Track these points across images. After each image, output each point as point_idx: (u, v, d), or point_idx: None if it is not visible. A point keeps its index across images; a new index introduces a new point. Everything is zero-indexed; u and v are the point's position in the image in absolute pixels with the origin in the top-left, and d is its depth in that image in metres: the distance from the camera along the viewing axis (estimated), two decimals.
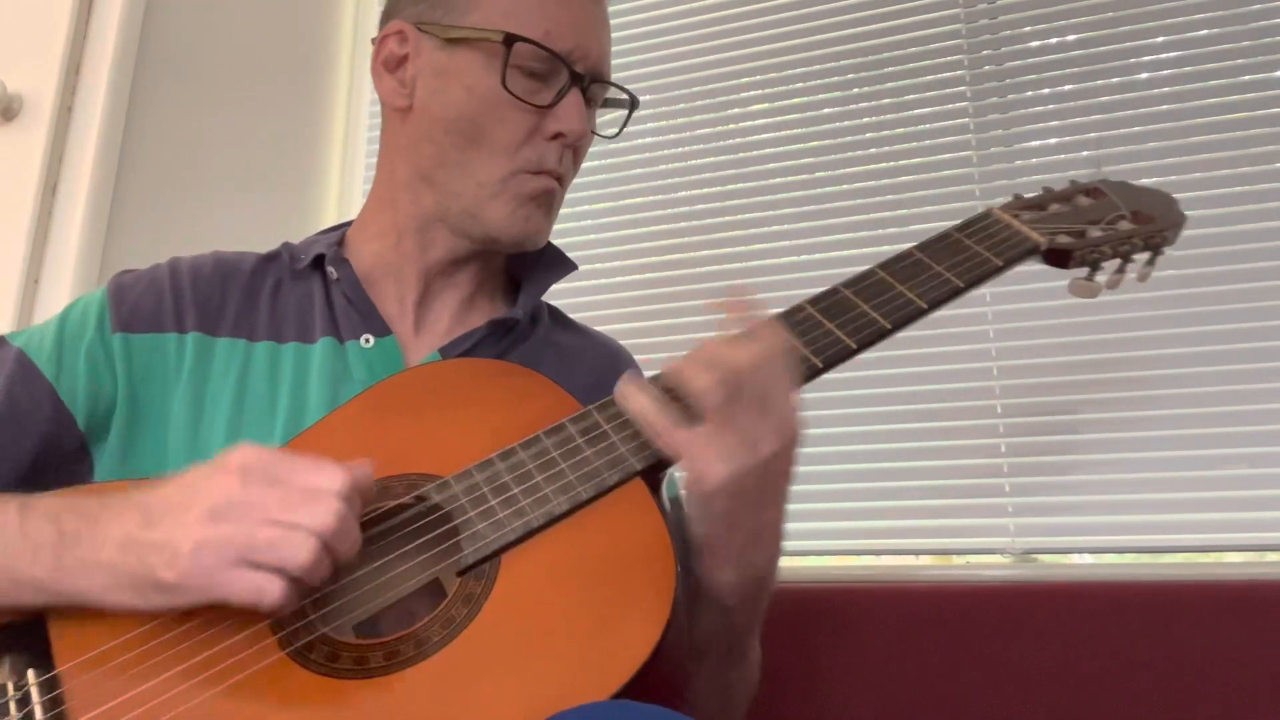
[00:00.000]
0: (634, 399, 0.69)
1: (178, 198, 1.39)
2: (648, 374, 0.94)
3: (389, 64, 0.87)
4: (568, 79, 0.83)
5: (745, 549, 0.68)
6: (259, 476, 0.59)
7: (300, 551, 0.57)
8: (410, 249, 0.87)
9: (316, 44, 1.73)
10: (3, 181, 1.26)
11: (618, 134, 0.97)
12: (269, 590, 0.57)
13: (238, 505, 0.58)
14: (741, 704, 0.83)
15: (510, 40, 0.81)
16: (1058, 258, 0.84)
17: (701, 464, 0.64)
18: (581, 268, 0.98)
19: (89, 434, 0.78)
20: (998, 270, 0.79)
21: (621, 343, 1.00)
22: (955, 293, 0.77)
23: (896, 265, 0.79)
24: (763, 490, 0.66)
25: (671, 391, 0.68)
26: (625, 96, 0.91)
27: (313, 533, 0.57)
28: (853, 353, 0.73)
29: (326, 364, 0.81)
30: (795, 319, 0.76)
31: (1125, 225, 0.85)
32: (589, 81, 0.85)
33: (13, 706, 0.57)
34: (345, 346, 0.83)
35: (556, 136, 0.84)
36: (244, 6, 1.55)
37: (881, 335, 0.75)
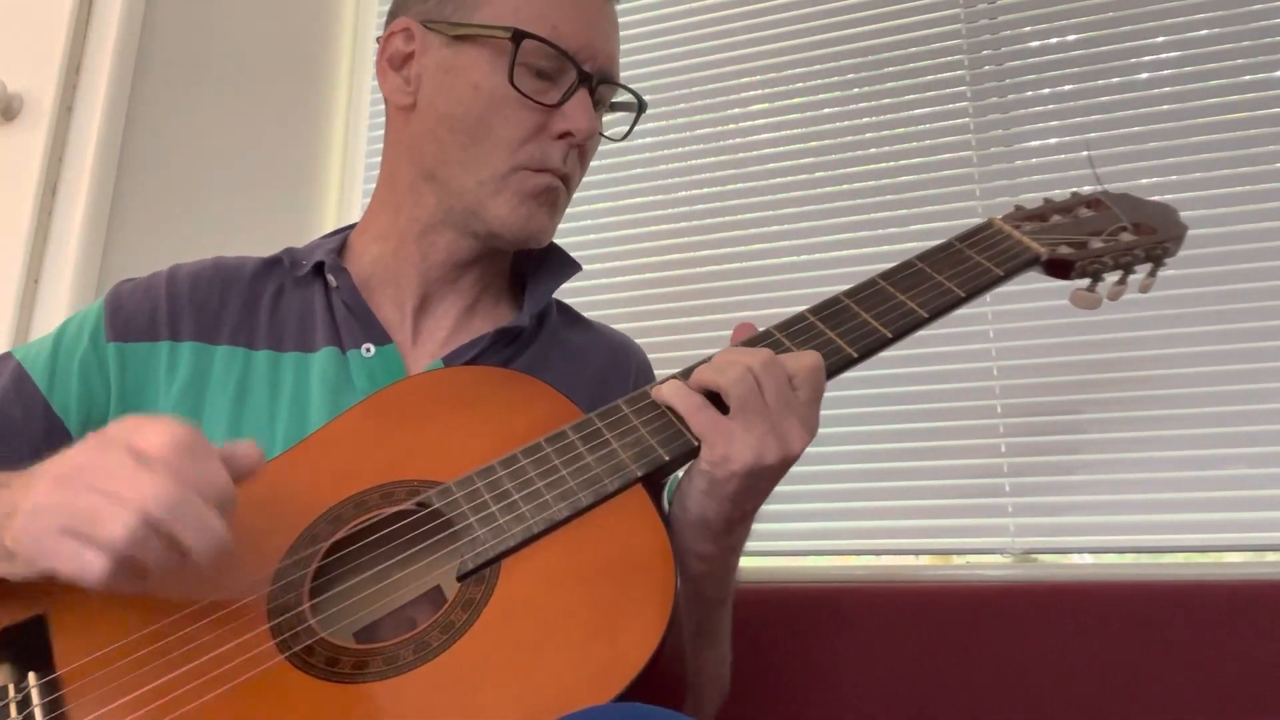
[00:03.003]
0: (664, 387, 0.72)
1: (178, 198, 1.39)
2: (656, 372, 0.95)
3: (394, 62, 0.87)
4: (576, 78, 0.83)
5: (734, 525, 0.71)
6: (113, 441, 0.56)
7: (115, 526, 0.53)
8: (411, 254, 0.87)
9: (317, 44, 1.73)
10: (3, 181, 1.26)
11: (626, 135, 0.96)
12: (90, 564, 0.53)
13: (81, 469, 0.55)
14: (711, 695, 0.84)
15: (519, 37, 0.80)
16: (1059, 268, 0.84)
17: (729, 447, 0.66)
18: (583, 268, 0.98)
19: None
20: (999, 280, 0.79)
21: None
22: (956, 302, 0.77)
23: (898, 275, 0.80)
24: (772, 480, 0.69)
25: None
26: (632, 99, 0.91)
27: (132, 506, 0.53)
28: (854, 361, 0.74)
29: (328, 374, 0.81)
30: (796, 327, 0.76)
31: (1127, 237, 0.85)
32: (597, 82, 0.85)
33: (13, 709, 0.57)
34: (347, 356, 0.82)
35: (563, 136, 0.83)
36: (244, 7, 1.55)
37: (883, 344, 0.75)
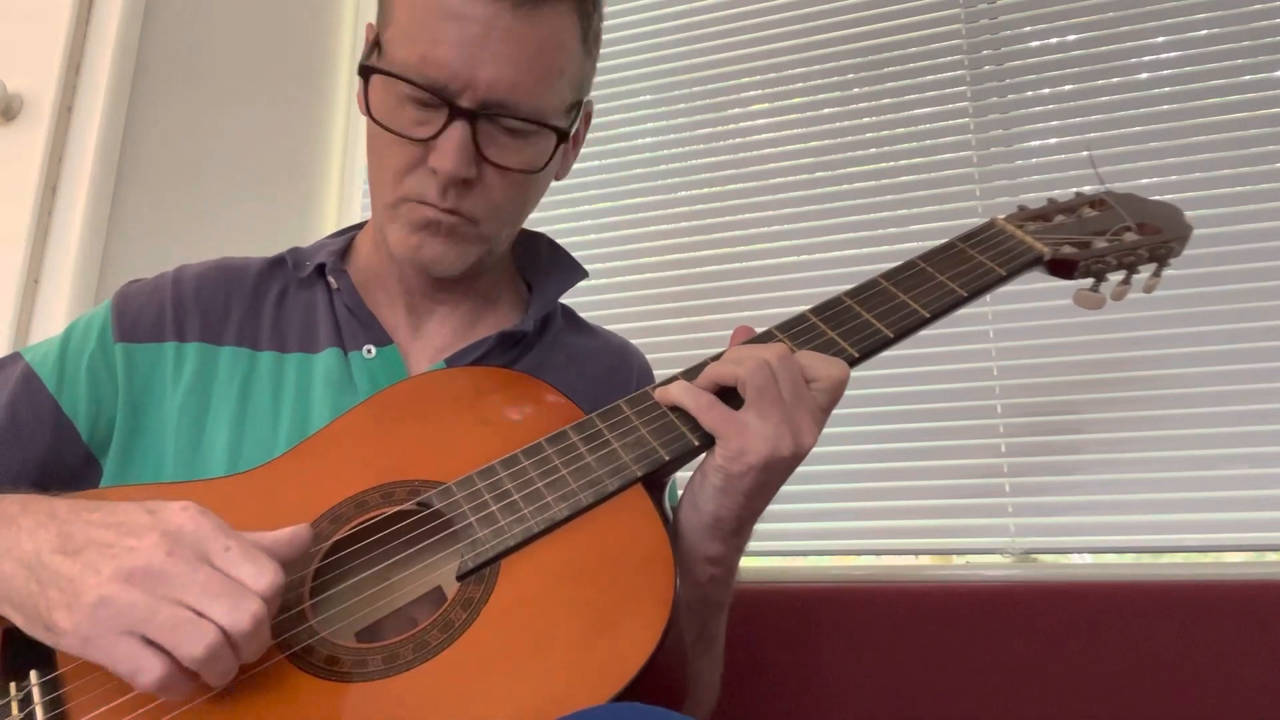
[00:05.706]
0: (671, 387, 0.71)
1: (178, 198, 1.39)
2: (656, 371, 0.95)
3: (361, 68, 0.82)
4: (448, 113, 0.74)
5: (744, 524, 0.71)
6: (187, 550, 0.55)
7: (197, 644, 0.53)
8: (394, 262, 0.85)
9: (316, 44, 1.73)
10: (3, 181, 1.26)
11: (544, 167, 0.80)
12: (147, 670, 0.53)
13: (154, 574, 0.54)
14: (706, 699, 0.84)
15: (366, 72, 0.76)
16: (1062, 268, 0.83)
17: (744, 440, 0.66)
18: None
19: (94, 445, 0.78)
20: (1001, 280, 0.79)
21: None
22: (959, 302, 0.77)
23: (900, 275, 0.79)
24: (783, 475, 0.69)
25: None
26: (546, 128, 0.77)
27: (220, 628, 0.53)
28: (855, 361, 0.74)
29: (331, 374, 0.81)
30: (798, 326, 0.76)
31: (1131, 236, 0.85)
32: (481, 114, 0.74)
33: (14, 707, 0.57)
34: (349, 357, 0.82)
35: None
36: (244, 7, 1.55)
37: (885, 344, 0.75)
